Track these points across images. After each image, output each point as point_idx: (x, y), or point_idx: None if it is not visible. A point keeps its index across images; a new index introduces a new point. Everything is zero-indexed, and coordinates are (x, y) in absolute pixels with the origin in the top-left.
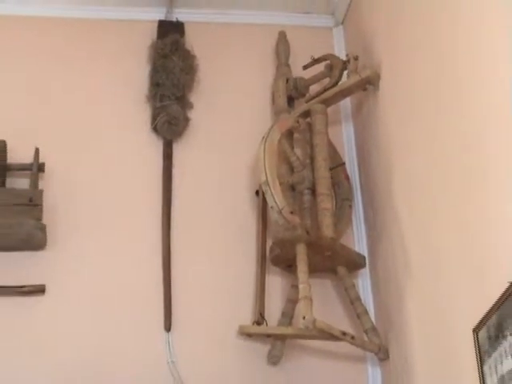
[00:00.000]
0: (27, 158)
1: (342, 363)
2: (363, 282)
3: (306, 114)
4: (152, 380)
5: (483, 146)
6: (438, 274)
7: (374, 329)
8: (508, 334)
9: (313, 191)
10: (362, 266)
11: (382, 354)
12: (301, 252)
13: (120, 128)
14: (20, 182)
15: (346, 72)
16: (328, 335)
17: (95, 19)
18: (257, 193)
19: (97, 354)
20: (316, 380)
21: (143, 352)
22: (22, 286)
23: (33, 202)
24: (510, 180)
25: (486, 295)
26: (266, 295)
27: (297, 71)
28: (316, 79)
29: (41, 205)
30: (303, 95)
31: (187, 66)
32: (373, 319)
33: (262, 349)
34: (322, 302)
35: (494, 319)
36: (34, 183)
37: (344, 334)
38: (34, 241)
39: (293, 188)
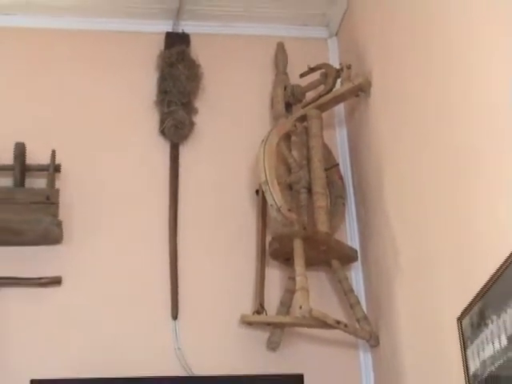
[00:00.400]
0: (44, 159)
1: (336, 349)
2: (355, 275)
3: (303, 118)
4: (160, 364)
5: (470, 148)
6: (425, 266)
7: (365, 318)
8: (489, 322)
9: (309, 190)
10: (355, 259)
11: (373, 341)
12: (298, 246)
13: (130, 131)
14: (38, 182)
15: (339, 80)
16: (323, 323)
17: (107, 31)
18: (257, 192)
19: (109, 341)
20: (312, 365)
21: (152, 339)
22: (40, 278)
23: (50, 200)
24: (493, 179)
25: (469, 287)
26: (266, 286)
27: (294, 79)
28: (312, 86)
29: (57, 203)
30: (300, 101)
31: (192, 74)
32: (364, 309)
33: (262, 336)
34: (317, 293)
35: (476, 309)
36: (51, 183)
37: (338, 322)
38: (51, 236)
39: (290, 187)
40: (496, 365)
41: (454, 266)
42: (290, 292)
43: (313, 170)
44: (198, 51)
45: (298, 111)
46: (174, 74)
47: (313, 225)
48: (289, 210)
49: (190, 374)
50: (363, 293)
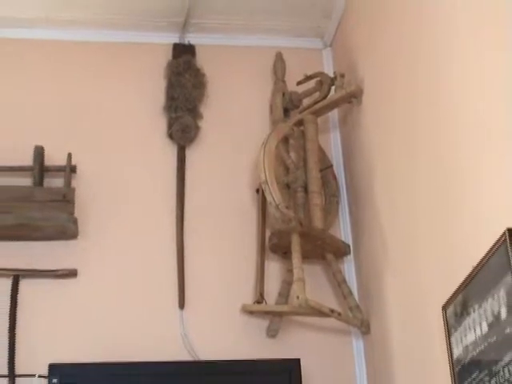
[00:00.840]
0: (61, 161)
1: (331, 336)
2: (348, 267)
3: (300, 123)
4: (168, 350)
5: (454, 149)
6: (412, 260)
7: (357, 307)
8: (471, 310)
9: (305, 189)
10: (348, 253)
11: (365, 328)
12: (295, 241)
13: (140, 135)
14: (55, 182)
15: (333, 87)
16: (318, 312)
17: (120, 42)
18: (257, 191)
19: (120, 328)
20: (308, 350)
21: (160, 326)
22: (57, 270)
23: (66, 199)
24: (475, 176)
25: (453, 278)
26: (265, 278)
27: (291, 86)
28: (308, 93)
29: (73, 201)
30: (297, 107)
31: (198, 82)
32: (356, 299)
33: (262, 324)
34: (313, 284)
35: (459, 298)
36: (67, 182)
37: (332, 311)
38: (67, 232)
39: (288, 186)
40: (477, 350)
41: (438, 259)
42: (287, 283)
43: (309, 170)
44: (203, 61)
45: (295, 116)
46: (180, 81)
47: (309, 221)
48: (287, 208)
49: (196, 359)
50: (355, 284)
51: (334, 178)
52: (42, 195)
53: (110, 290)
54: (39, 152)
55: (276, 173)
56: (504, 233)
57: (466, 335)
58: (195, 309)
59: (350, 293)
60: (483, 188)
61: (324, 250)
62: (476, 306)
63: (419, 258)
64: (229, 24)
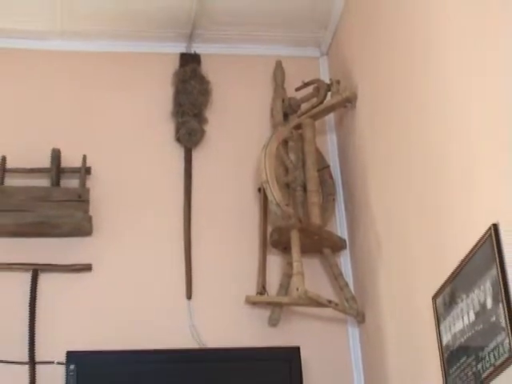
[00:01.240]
0: (77, 163)
1: (328, 325)
2: (344, 261)
3: (298, 126)
4: (176, 339)
5: (443, 149)
6: (403, 253)
7: (353, 298)
8: (459, 300)
9: (304, 188)
10: (344, 247)
11: (360, 318)
12: (294, 237)
13: (150, 138)
14: (71, 182)
15: (330, 93)
16: (317, 303)
17: (130, 52)
18: (259, 190)
19: (132, 319)
20: (307, 338)
21: (169, 316)
22: (73, 265)
23: (81, 198)
24: (462, 174)
25: (442, 270)
26: (267, 271)
27: (290, 92)
28: (306, 99)
29: (88, 200)
30: (296, 112)
31: (203, 89)
32: (352, 290)
33: (264, 314)
34: (311, 277)
35: (448, 289)
36: (83, 183)
37: (329, 301)
38: (82, 229)
39: (288, 186)
40: (465, 337)
41: (428, 253)
42: (288, 276)
43: (307, 170)
44: (208, 69)
45: (294, 120)
46: (187, 89)
47: (307, 218)
48: (286, 206)
49: (202, 347)
50: (351, 276)
51: (331, 177)
52: (58, 195)
53: (123, 282)
54: (56, 155)
55: (276, 173)
56: (489, 228)
57: (454, 324)
58: (202, 300)
59: (346, 285)
60: (471, 187)
61: (321, 244)
62: (464, 297)
63: (410, 252)
64: (232, 35)
